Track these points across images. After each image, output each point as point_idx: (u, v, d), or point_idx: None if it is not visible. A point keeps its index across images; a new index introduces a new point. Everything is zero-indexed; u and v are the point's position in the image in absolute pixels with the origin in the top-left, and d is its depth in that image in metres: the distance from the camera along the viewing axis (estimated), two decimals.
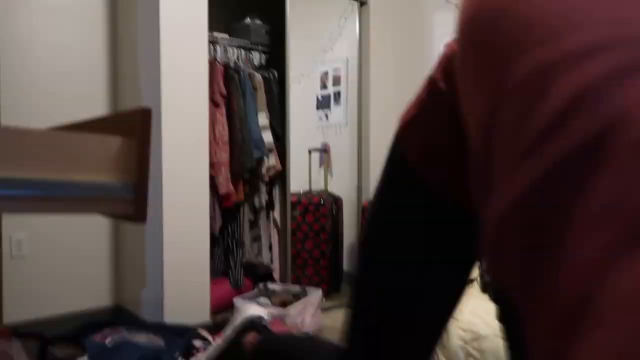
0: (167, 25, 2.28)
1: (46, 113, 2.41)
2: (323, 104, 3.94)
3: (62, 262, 2.52)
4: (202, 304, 2.43)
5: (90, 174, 0.61)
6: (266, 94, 2.90)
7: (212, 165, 2.58)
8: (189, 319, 2.27)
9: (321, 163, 4.01)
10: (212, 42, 2.74)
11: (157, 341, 1.77)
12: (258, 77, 2.88)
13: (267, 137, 2.82)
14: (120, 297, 2.68)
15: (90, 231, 2.62)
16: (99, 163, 0.62)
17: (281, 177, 2.99)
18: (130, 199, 0.62)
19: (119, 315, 2.62)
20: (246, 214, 2.87)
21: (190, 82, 2.37)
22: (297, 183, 3.33)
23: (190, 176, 2.35)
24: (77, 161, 0.60)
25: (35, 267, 2.44)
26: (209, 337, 1.88)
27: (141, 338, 1.75)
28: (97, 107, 2.62)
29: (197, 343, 1.82)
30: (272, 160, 2.86)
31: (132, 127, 0.65)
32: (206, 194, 2.45)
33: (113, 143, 0.62)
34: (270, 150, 2.85)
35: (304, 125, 3.63)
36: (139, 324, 2.10)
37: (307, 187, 3.55)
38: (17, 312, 2.33)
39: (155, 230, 2.30)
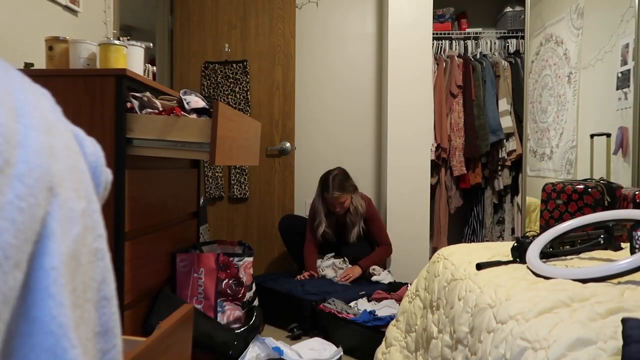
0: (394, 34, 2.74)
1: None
2: (623, 82, 3.51)
3: None
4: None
5: (191, 137, 1.21)
6: (512, 79, 2.96)
7: (446, 150, 2.88)
8: None
9: (616, 149, 3.60)
10: (465, 38, 3.02)
11: None
12: (504, 64, 2.97)
13: (506, 122, 2.89)
14: None
15: None
16: (195, 131, 1.21)
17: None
18: (207, 150, 1.19)
19: None
20: (487, 197, 3.02)
21: (413, 77, 2.74)
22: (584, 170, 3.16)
23: (412, 159, 2.73)
24: (186, 130, 1.21)
25: None
26: None
27: None
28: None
29: None
30: (512, 145, 2.91)
31: (212, 114, 1.23)
32: (427, 178, 2.77)
33: (201, 122, 1.21)
34: (511, 135, 2.90)
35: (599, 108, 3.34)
36: None
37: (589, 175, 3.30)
38: None
39: (381, 198, 2.82)
